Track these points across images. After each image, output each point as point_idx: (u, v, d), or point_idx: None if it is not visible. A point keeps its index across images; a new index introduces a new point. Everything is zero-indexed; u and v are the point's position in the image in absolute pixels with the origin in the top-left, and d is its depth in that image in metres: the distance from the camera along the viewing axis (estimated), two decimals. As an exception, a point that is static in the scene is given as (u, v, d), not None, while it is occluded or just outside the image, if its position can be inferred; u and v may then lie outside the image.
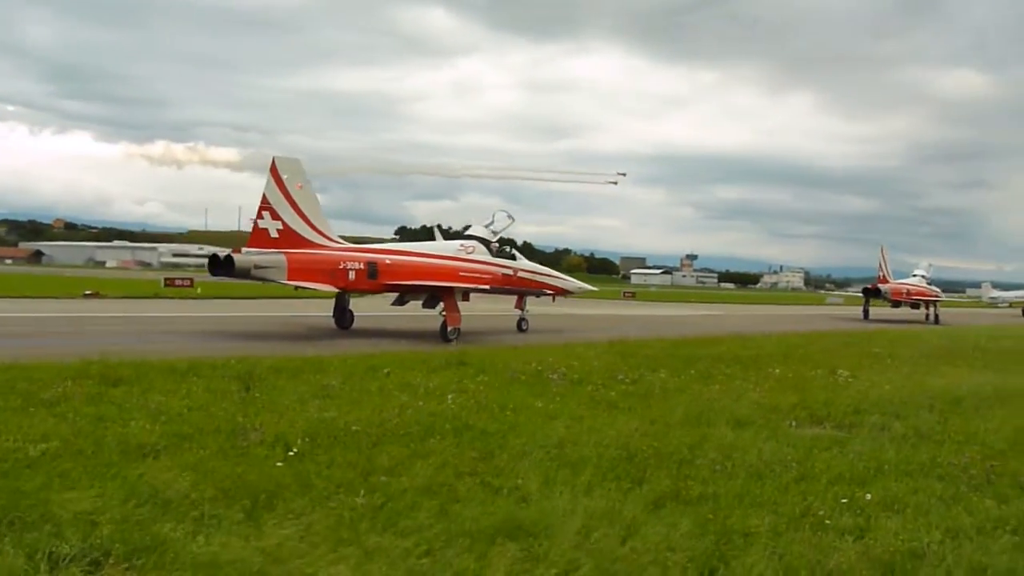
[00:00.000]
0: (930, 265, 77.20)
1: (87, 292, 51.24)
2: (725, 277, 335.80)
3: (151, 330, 29.50)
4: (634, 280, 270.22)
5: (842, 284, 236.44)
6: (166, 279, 67.26)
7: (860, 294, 73.47)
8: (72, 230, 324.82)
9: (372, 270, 30.84)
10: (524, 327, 35.65)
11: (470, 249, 34.49)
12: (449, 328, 30.20)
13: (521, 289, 36.38)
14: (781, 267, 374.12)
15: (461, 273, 33.09)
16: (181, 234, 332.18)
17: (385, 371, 17.51)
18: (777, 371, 21.60)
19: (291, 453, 10.48)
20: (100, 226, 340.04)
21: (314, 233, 30.27)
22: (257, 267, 28.58)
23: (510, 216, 36.42)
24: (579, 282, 40.49)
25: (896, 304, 70.01)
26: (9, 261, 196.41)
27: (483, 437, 12.07)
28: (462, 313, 31.60)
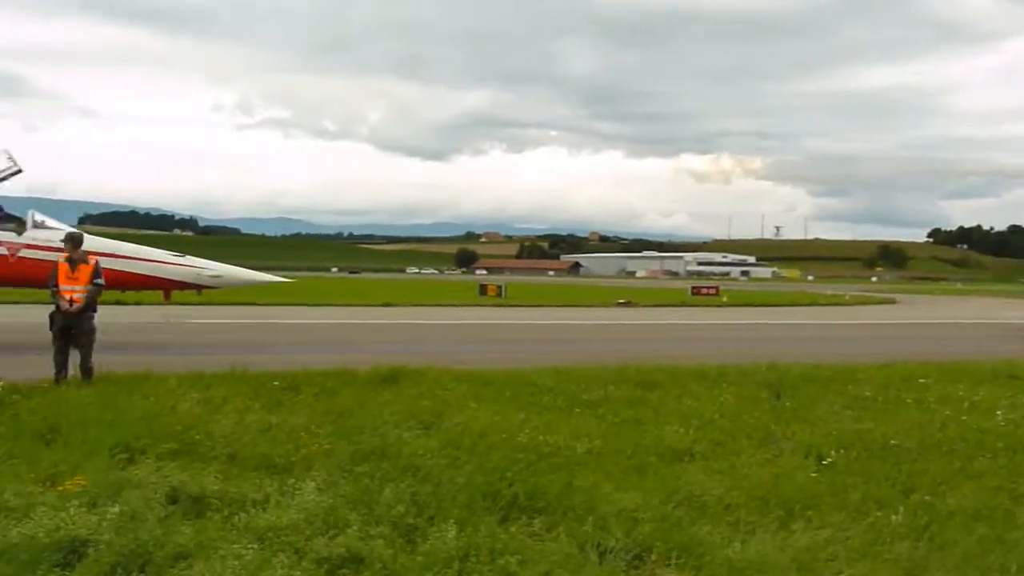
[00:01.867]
0: None
1: (621, 301, 54.45)
2: None
3: (677, 337, 30.53)
4: None
5: None
6: (693, 288, 69.45)
7: None
8: (606, 242, 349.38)
9: None
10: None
11: None
12: None
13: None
14: None
15: None
16: (705, 243, 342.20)
17: (922, 381, 16.41)
18: None
19: (824, 464, 10.19)
20: (631, 238, 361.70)
21: None
22: None
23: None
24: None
25: None
26: (552, 273, 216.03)
27: (1042, 458, 10.79)
28: None
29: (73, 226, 22.00)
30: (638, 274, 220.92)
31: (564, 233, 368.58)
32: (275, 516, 7.64)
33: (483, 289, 67.25)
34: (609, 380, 15.48)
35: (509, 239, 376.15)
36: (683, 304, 55.83)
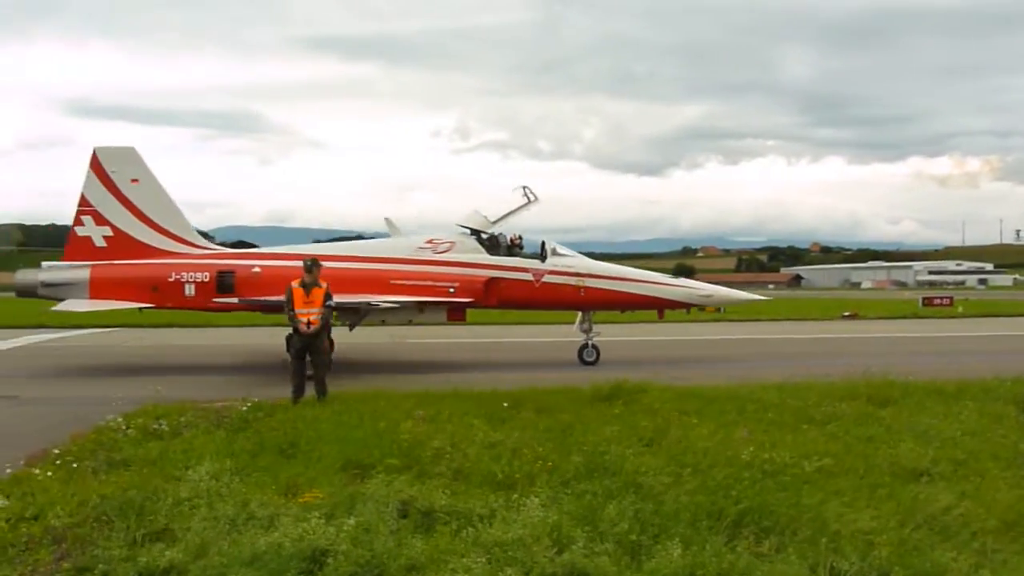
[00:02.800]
0: None
1: (845, 313, 52.42)
2: None
3: (907, 350, 29.03)
4: None
5: None
6: (924, 298, 65.89)
7: None
8: (827, 253, 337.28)
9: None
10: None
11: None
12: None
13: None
14: None
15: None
16: (937, 251, 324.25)
17: None
18: None
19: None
20: (855, 248, 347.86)
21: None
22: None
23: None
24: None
25: None
26: (771, 286, 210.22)
27: None
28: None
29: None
30: (863, 285, 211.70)
31: (783, 245, 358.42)
32: (501, 531, 7.79)
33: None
34: (837, 396, 14.90)
35: (727, 253, 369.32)
36: (914, 315, 52.96)
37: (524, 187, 24.63)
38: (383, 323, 24.56)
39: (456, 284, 23.51)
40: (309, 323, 15.71)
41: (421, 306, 23.31)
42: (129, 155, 24.55)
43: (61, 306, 23.22)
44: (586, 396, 15.25)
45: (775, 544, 7.68)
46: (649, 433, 12.03)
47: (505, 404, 14.26)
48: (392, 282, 23.51)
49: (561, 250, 24.75)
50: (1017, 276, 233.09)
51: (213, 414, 13.80)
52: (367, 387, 15.87)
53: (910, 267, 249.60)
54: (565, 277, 23.99)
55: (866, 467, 10.26)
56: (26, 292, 24.48)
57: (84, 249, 23.96)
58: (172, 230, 24.54)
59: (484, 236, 24.57)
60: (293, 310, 15.79)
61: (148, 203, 24.32)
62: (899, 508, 8.62)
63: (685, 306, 25.88)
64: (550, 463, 10.26)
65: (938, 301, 63.16)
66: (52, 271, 23.98)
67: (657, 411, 13.77)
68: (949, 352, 28.17)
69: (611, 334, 28.79)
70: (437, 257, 24.18)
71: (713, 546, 7.42)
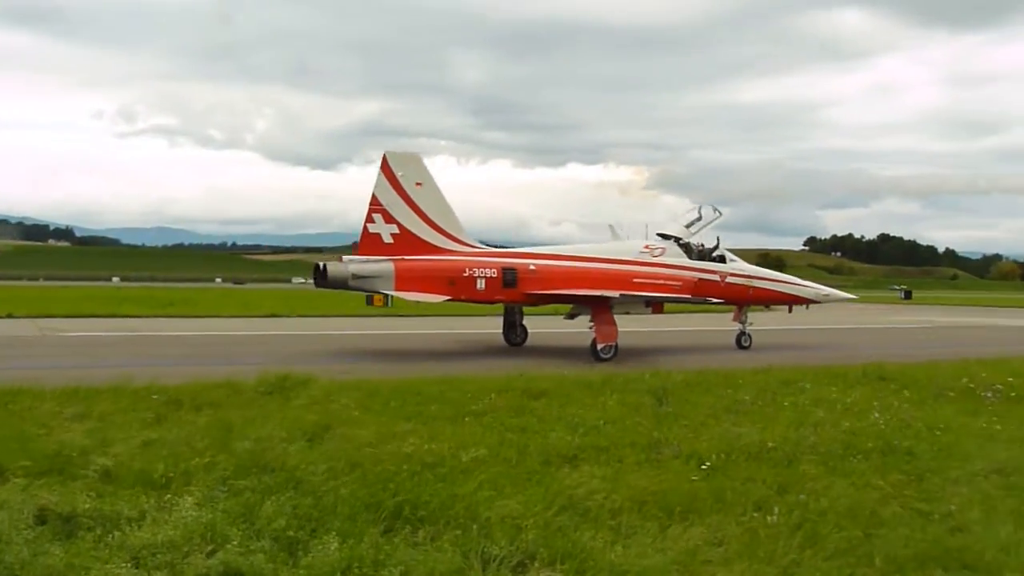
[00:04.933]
0: None
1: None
2: None
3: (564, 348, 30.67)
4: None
5: None
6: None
7: None
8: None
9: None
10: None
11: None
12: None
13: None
14: None
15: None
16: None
17: (799, 385, 16.91)
18: None
19: (705, 468, 10.42)
20: (521, 247, 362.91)
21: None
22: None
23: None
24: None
25: None
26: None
27: (909, 459, 11.25)
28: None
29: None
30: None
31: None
32: (151, 533, 7.44)
33: (369, 299, 66.05)
34: (494, 389, 15.49)
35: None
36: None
37: (713, 206, 30.29)
38: (627, 313, 27.97)
39: (680, 283, 28.26)
40: None
41: (659, 299, 27.79)
42: (414, 160, 27.23)
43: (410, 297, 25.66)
44: (249, 390, 14.91)
45: (431, 533, 7.88)
46: (312, 428, 11.95)
47: (155, 397, 13.68)
48: (634, 280, 27.77)
49: (731, 256, 30.35)
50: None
51: None
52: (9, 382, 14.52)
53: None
54: (740, 279, 29.88)
55: (519, 456, 10.74)
56: (338, 284, 25.90)
57: (375, 244, 26.09)
58: (449, 230, 27.14)
59: (681, 243, 29.44)
60: None
61: (430, 205, 26.78)
62: (547, 493, 9.11)
63: (813, 302, 32.23)
64: (207, 460, 9.91)
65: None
66: (359, 264, 25.76)
67: (321, 405, 13.73)
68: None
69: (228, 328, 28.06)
70: (655, 260, 28.96)
71: (370, 538, 7.51)
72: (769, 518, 8.55)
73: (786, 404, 14.97)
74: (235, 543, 7.33)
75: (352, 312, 42.80)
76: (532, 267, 27.22)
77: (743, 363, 21.54)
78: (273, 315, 44.86)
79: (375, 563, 7.07)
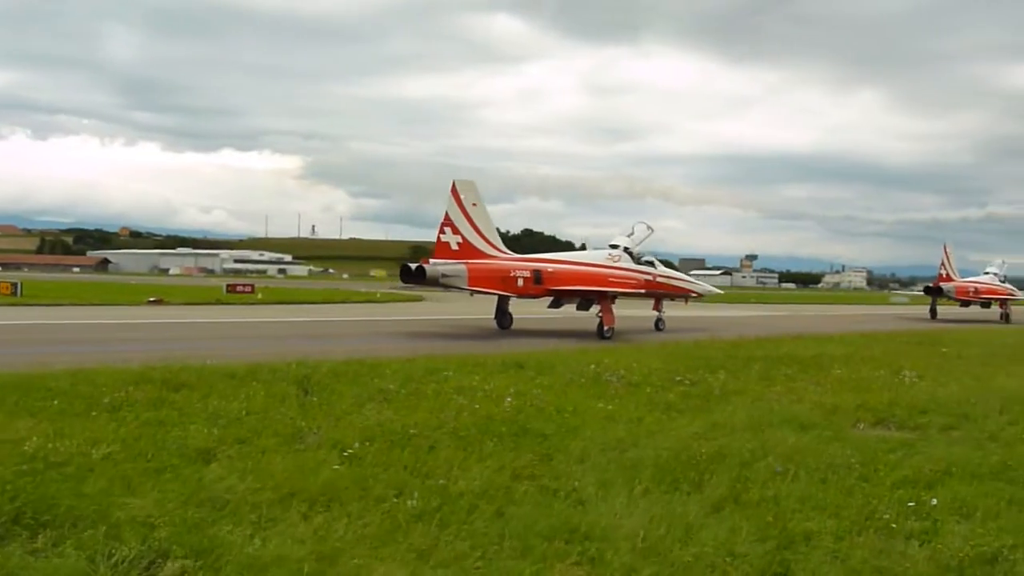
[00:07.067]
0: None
1: (151, 299, 51.96)
2: (786, 277, 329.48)
3: (212, 335, 29.85)
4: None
5: (907, 283, 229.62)
6: (228, 285, 68.13)
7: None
8: (137, 238, 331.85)
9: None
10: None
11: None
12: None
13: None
14: (843, 267, 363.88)
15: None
16: (243, 241, 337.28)
17: (443, 374, 17.48)
18: (840, 372, 21.14)
19: (348, 456, 10.50)
20: (166, 234, 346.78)
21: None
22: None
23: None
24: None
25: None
26: (76, 269, 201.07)
27: (541, 440, 12.00)
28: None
29: None
30: (172, 271, 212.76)
31: (92, 228, 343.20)
32: None
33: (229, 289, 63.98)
34: (130, 381, 14.68)
35: (28, 233, 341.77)
36: (218, 302, 54.50)
37: (646, 224, 39.83)
38: (613, 302, 35.51)
39: (637, 282, 37.99)
40: None
41: (625, 295, 36.90)
42: (472, 186, 35.17)
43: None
44: None
45: (53, 538, 7.35)
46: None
47: None
48: (610, 279, 36.96)
49: (656, 261, 40.42)
50: (312, 267, 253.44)
51: None
52: None
53: (217, 255, 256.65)
54: (663, 278, 39.89)
55: (155, 451, 10.29)
56: (433, 281, 33.86)
57: (446, 251, 33.97)
58: (493, 241, 35.64)
59: (628, 251, 38.73)
60: None
61: (481, 221, 35.03)
62: (184, 489, 8.79)
63: (702, 296, 43.86)
64: None
65: (241, 288, 65.79)
66: (444, 266, 33.57)
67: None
68: (251, 336, 29.53)
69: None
70: (616, 264, 38.17)
71: (-21, 548, 6.88)
72: (410, 502, 8.78)
73: (429, 392, 15.43)
74: None
75: None
76: (550, 269, 36.34)
77: (394, 353, 21.87)
78: None
79: (-14, 575, 6.49)
